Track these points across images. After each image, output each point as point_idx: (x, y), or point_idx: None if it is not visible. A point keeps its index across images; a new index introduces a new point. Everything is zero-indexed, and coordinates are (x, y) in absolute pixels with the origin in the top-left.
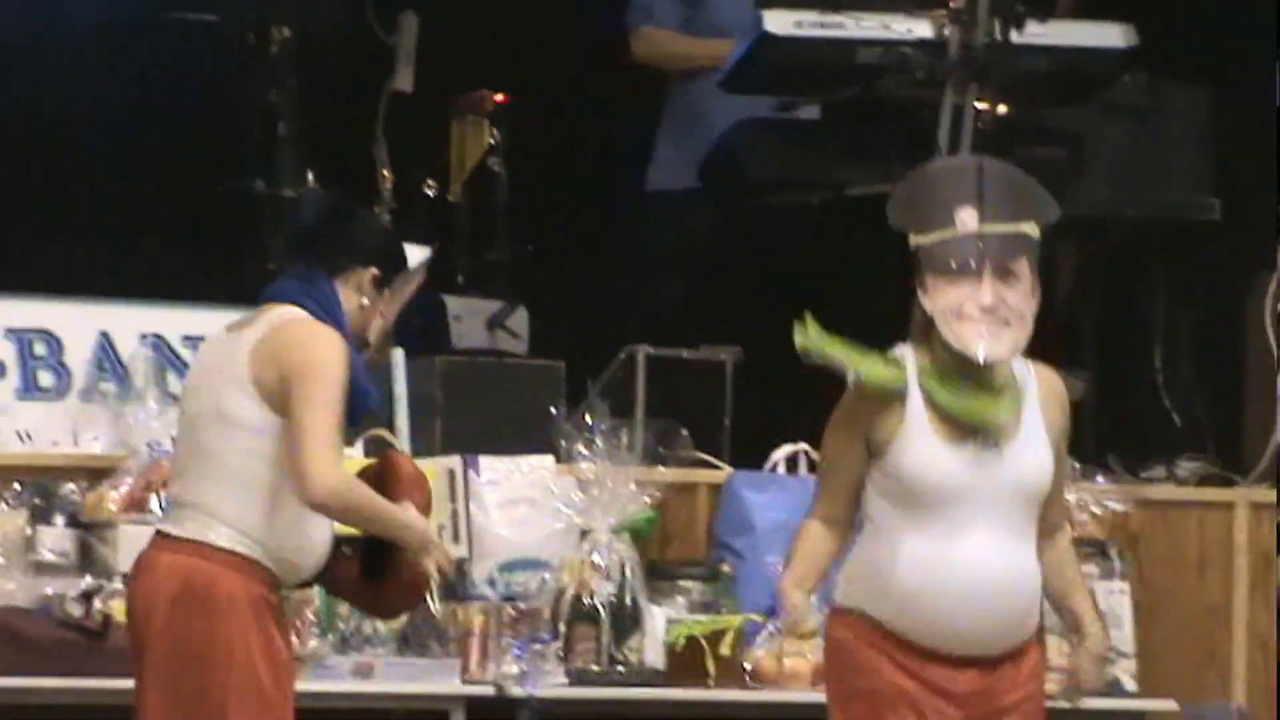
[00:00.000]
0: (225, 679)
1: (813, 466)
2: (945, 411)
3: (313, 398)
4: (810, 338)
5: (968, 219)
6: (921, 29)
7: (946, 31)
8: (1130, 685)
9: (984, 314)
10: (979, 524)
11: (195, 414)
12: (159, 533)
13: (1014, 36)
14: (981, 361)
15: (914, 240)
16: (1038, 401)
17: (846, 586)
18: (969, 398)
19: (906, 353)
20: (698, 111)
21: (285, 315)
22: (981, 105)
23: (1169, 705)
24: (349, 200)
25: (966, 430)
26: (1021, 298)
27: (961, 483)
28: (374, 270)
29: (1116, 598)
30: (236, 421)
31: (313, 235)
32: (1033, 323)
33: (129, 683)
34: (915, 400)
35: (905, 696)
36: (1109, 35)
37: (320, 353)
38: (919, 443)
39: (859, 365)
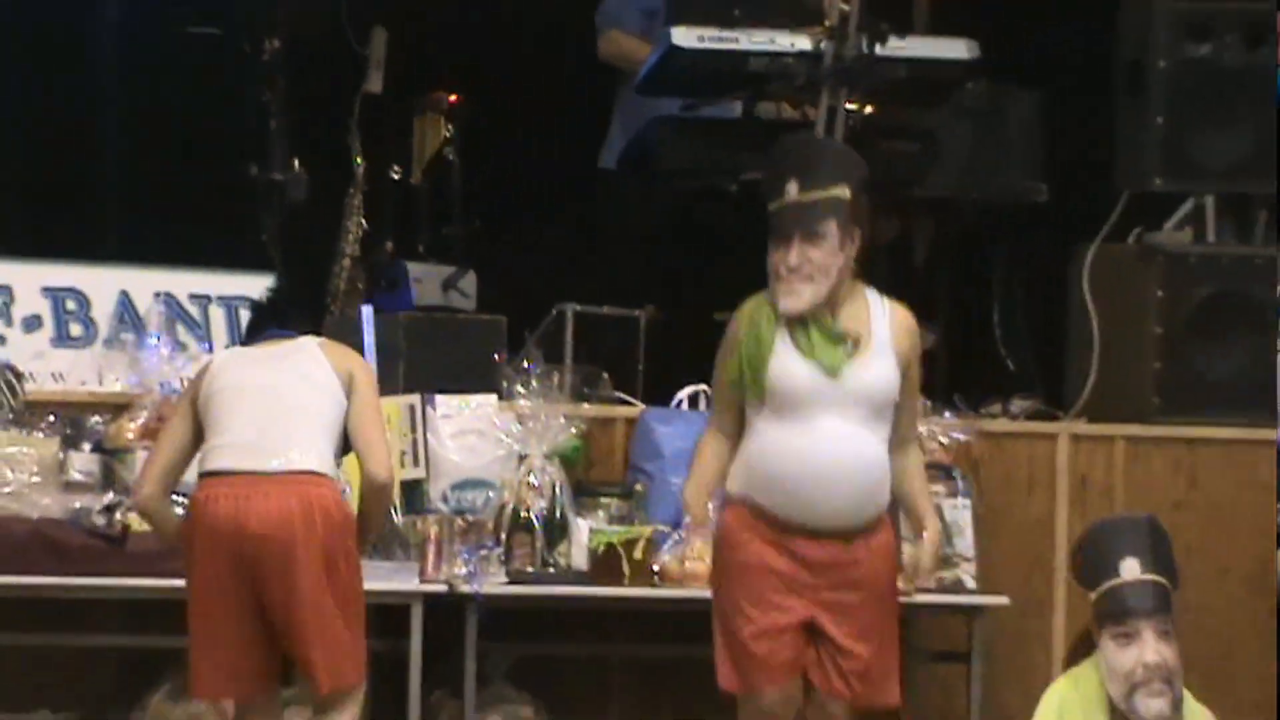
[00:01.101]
0: (352, 570)
1: (710, 403)
2: (801, 343)
3: (377, 403)
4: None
5: (792, 189)
6: (802, 43)
7: (823, 45)
8: (971, 584)
9: (790, 273)
10: (832, 419)
11: (275, 384)
12: (251, 470)
13: (878, 49)
14: (781, 314)
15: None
16: (889, 329)
17: (732, 479)
18: (816, 336)
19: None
20: (646, 104)
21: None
22: (851, 106)
23: (1002, 600)
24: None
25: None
26: (826, 254)
27: (816, 388)
28: None
29: (960, 512)
30: (325, 390)
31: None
32: (838, 271)
33: (145, 580)
34: (783, 328)
35: (770, 568)
36: (956, 48)
37: (370, 370)
38: (783, 359)
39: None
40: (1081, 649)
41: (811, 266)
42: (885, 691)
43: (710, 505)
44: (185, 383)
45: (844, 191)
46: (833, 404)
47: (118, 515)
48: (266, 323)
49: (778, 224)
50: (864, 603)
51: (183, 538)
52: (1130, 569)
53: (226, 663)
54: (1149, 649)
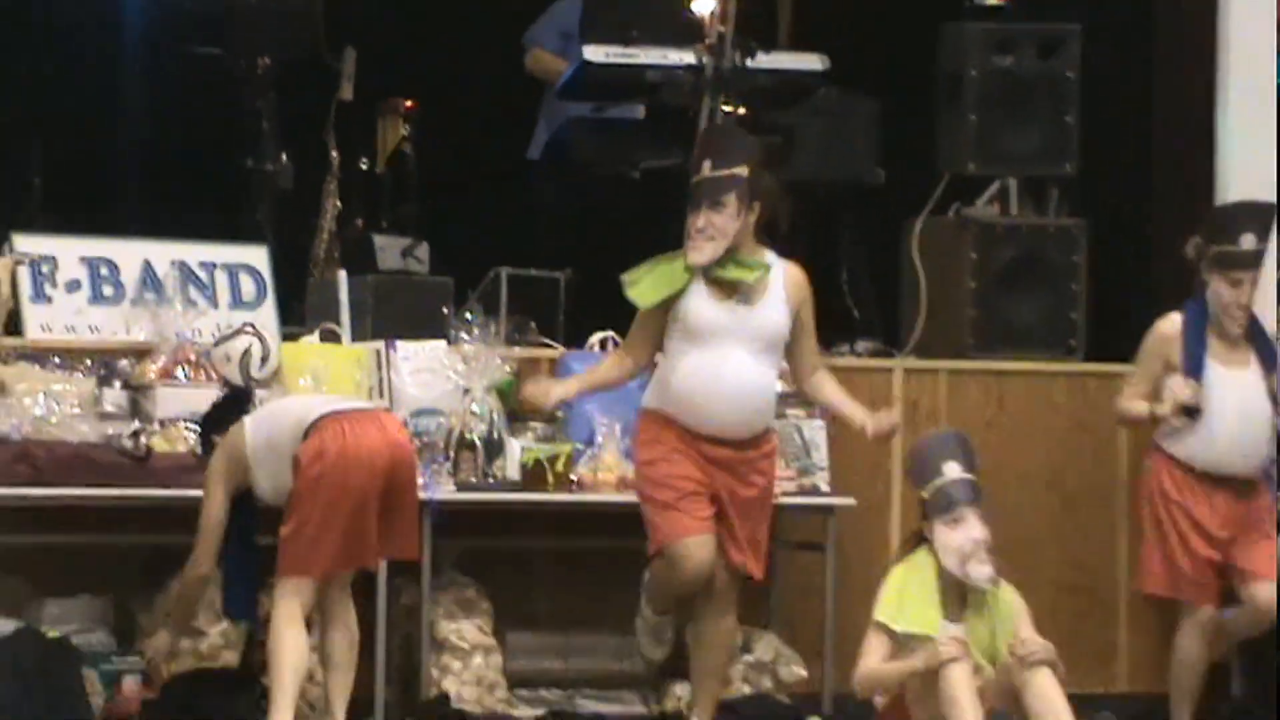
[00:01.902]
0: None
1: (617, 346)
2: (716, 278)
3: None
4: (633, 287)
5: (706, 167)
6: (688, 57)
7: (704, 59)
8: (825, 488)
9: (698, 233)
10: (733, 351)
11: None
12: (353, 409)
13: (748, 62)
14: (691, 265)
15: None
16: (782, 283)
17: (649, 396)
18: (731, 269)
19: None
20: (564, 107)
21: None
22: (727, 108)
23: (850, 501)
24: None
25: (728, 292)
26: (725, 219)
27: (722, 324)
28: None
29: (817, 431)
30: None
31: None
32: (736, 233)
33: (165, 491)
34: (699, 277)
35: (684, 453)
36: (811, 61)
37: None
38: (697, 300)
39: (649, 294)
40: (908, 546)
41: (714, 229)
42: (758, 563)
43: (575, 391)
44: (196, 332)
45: (743, 170)
46: (736, 339)
47: (143, 439)
48: (242, 413)
49: (693, 195)
50: (751, 491)
51: (316, 458)
52: (952, 470)
53: (353, 547)
54: (975, 528)
